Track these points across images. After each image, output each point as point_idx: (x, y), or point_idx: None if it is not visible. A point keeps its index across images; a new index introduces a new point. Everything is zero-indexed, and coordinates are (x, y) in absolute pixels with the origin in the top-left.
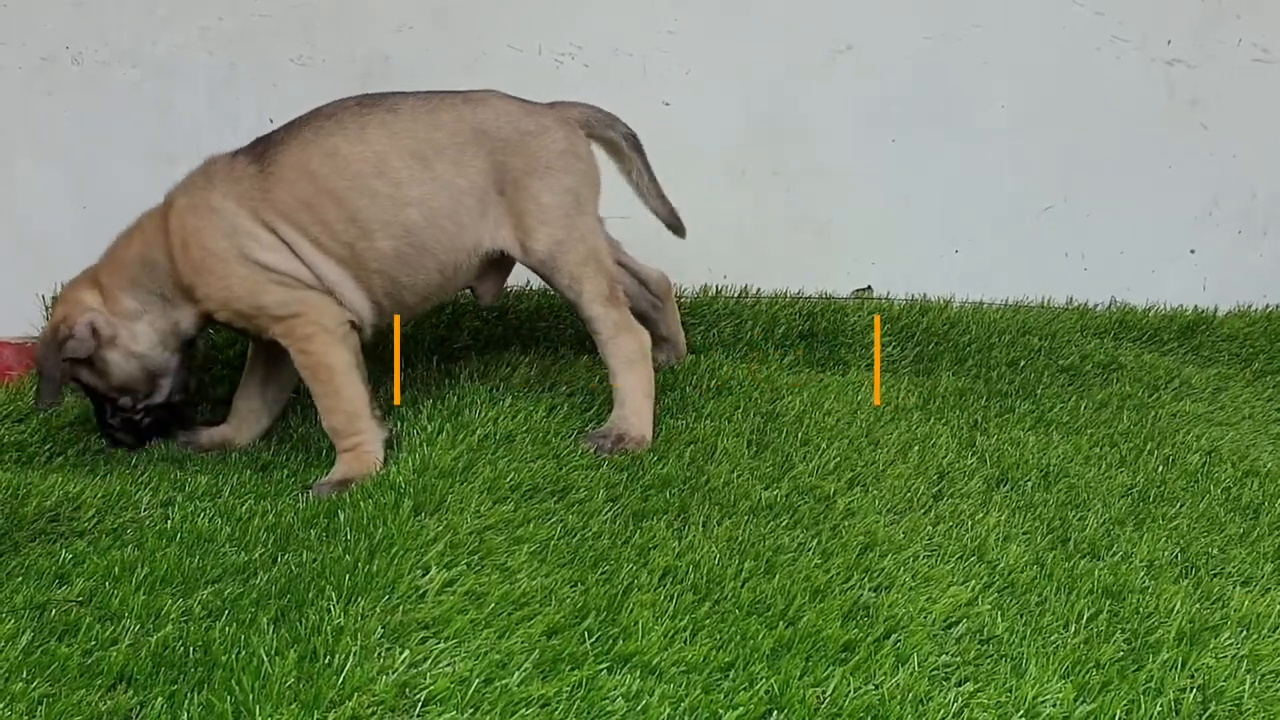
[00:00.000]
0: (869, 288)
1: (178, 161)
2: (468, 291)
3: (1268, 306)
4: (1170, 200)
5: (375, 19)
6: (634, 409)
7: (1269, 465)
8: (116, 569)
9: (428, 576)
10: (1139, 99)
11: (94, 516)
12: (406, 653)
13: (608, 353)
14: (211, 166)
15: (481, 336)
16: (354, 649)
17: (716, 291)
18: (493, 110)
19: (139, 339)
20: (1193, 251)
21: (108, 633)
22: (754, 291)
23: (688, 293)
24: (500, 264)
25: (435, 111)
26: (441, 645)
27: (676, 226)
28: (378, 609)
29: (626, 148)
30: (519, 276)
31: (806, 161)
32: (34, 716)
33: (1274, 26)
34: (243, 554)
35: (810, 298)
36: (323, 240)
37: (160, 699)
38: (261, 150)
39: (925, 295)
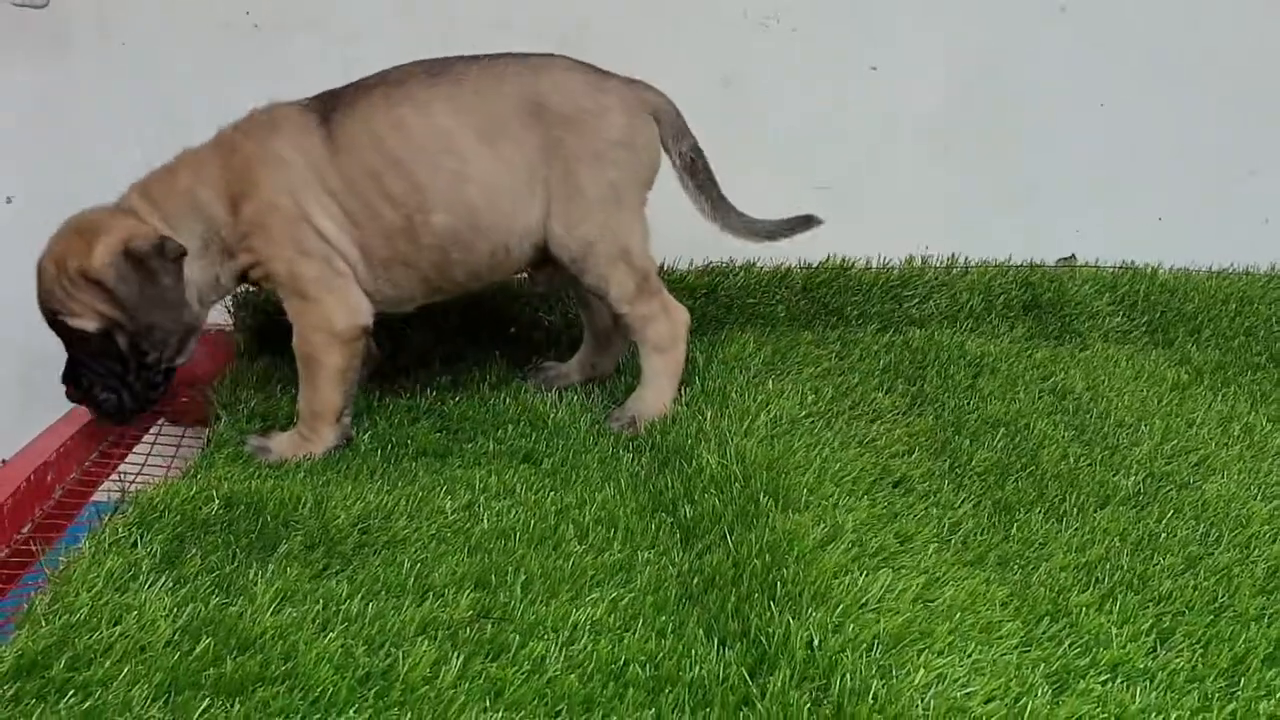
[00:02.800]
0: (1073, 256)
1: None
2: None
3: None
4: None
5: None
6: (655, 391)
7: None
8: (490, 575)
9: (853, 581)
10: None
11: (405, 523)
12: (921, 671)
13: (637, 340)
14: (277, 113)
15: (694, 315)
16: (860, 669)
17: (923, 263)
18: (553, 82)
19: (190, 280)
20: None
21: (538, 650)
22: (961, 261)
23: (894, 264)
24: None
25: (500, 83)
26: (941, 660)
27: (777, 232)
28: (845, 621)
29: (682, 167)
30: (721, 252)
31: (1012, 127)
32: None
33: None
34: (598, 554)
35: (1019, 266)
36: (382, 211)
37: None
38: (330, 109)
39: (1132, 262)
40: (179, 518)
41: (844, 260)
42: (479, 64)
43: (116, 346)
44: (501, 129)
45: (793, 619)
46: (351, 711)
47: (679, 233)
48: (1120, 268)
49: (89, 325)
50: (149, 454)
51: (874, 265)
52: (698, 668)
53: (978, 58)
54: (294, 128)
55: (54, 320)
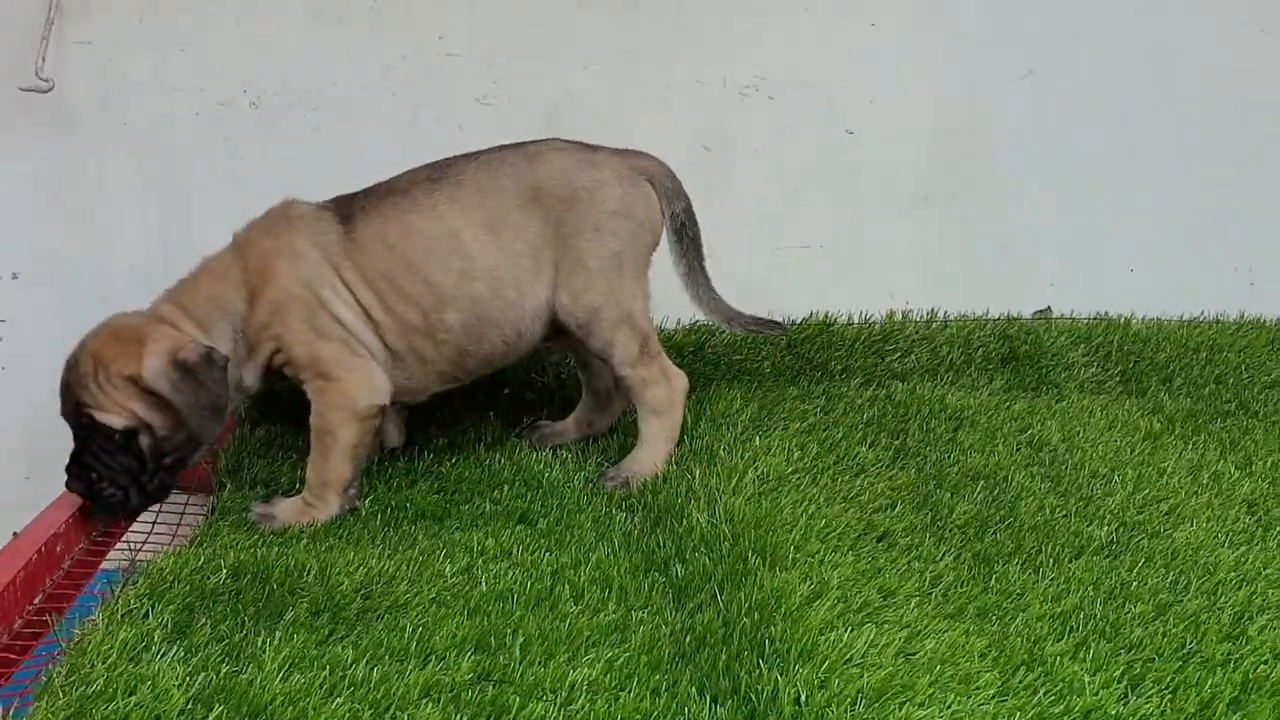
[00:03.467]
0: (1048, 308)
1: None
2: None
3: None
4: None
5: (561, 56)
6: (650, 453)
7: None
8: (490, 638)
9: (838, 637)
10: None
11: (406, 588)
12: None
13: (637, 402)
14: (292, 211)
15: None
16: None
17: (903, 318)
18: (548, 166)
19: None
20: None
21: (538, 711)
22: (940, 315)
23: (875, 319)
24: None
25: (496, 177)
26: (922, 712)
27: (737, 320)
28: (830, 676)
29: (671, 229)
30: None
31: (986, 185)
32: None
33: None
34: (593, 614)
35: (996, 319)
36: (397, 310)
37: None
38: (346, 213)
39: (1106, 313)
40: (188, 587)
41: (827, 316)
42: (477, 161)
43: (138, 446)
44: (503, 220)
45: (780, 676)
46: None
47: (668, 293)
48: (1094, 319)
49: (116, 423)
50: (154, 522)
51: (856, 321)
52: None
53: (951, 119)
54: (309, 225)
55: (78, 411)
